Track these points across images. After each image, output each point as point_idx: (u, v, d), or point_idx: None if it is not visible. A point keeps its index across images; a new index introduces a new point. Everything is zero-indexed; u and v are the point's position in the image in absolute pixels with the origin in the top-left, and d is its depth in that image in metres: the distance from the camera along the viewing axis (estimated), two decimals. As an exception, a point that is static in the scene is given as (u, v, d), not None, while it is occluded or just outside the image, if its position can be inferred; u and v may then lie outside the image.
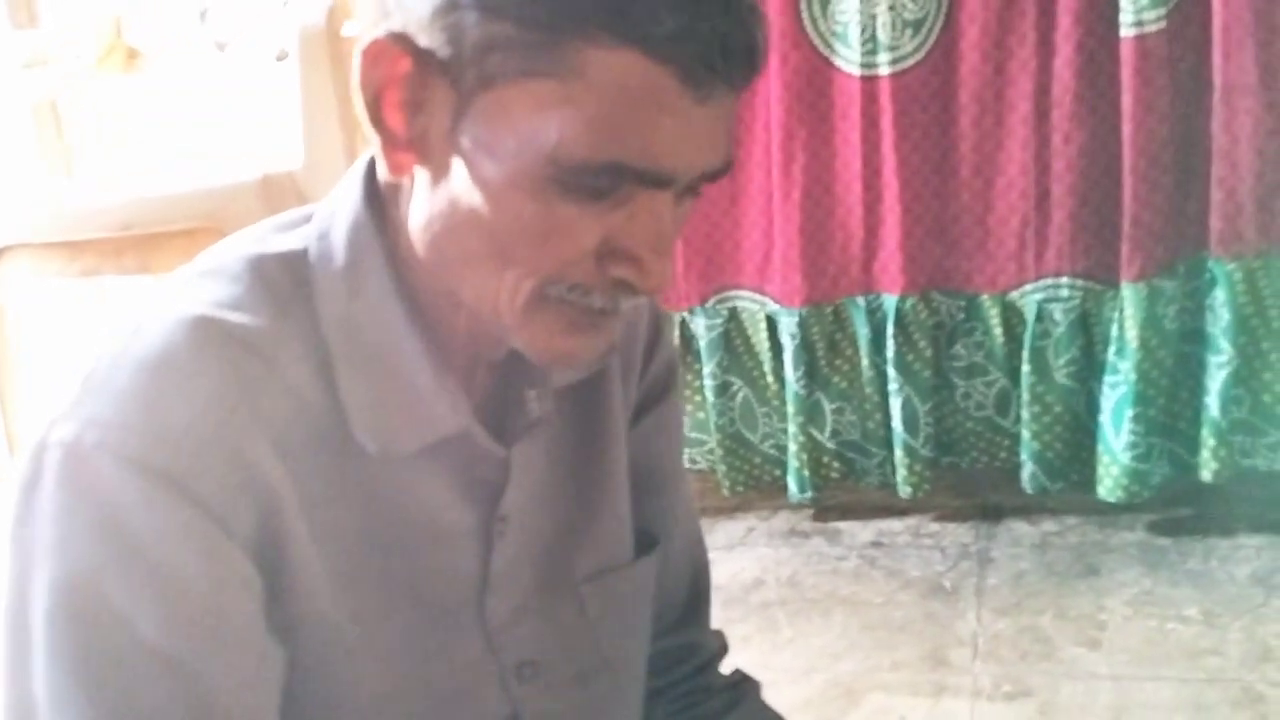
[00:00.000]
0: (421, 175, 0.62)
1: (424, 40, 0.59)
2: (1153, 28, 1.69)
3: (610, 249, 0.60)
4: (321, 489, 0.63)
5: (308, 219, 0.67)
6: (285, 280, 0.64)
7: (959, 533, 2.03)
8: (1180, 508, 1.98)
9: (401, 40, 0.59)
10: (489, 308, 0.62)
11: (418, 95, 0.60)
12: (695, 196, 0.64)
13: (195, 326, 0.61)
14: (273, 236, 0.67)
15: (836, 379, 2.02)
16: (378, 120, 0.61)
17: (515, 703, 0.72)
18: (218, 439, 0.59)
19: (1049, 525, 2.02)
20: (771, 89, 1.90)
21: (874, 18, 1.82)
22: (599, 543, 0.77)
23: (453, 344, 0.67)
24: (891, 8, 1.82)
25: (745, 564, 1.99)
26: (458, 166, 0.60)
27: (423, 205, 0.62)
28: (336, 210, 0.66)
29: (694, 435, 2.12)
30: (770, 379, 2.05)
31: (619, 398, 0.78)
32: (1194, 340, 1.83)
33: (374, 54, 0.60)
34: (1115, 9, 1.71)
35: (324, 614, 0.64)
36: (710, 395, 2.06)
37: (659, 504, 0.83)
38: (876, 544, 2.02)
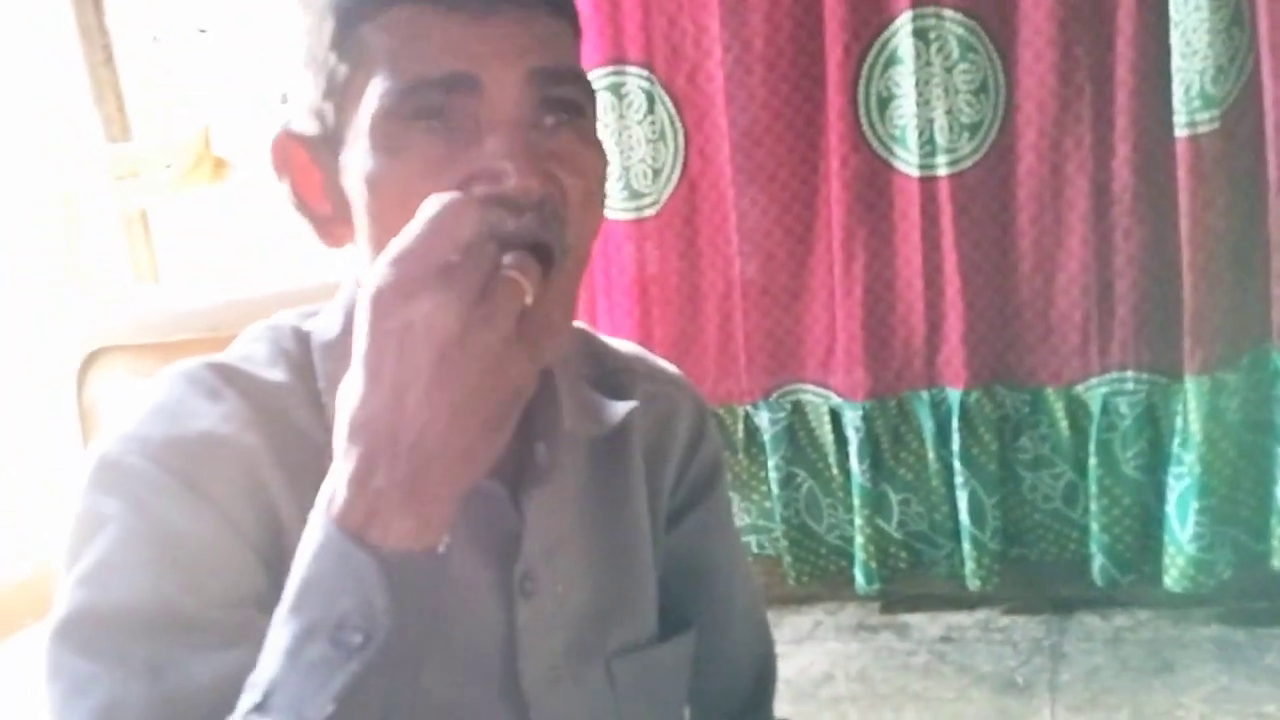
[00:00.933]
0: (355, 242, 0.68)
1: (302, 126, 0.67)
2: (1206, 128, 1.72)
3: (476, 178, 0.62)
4: None
5: (320, 312, 0.74)
6: (295, 349, 0.70)
7: (1030, 627, 2.02)
8: (1254, 600, 1.96)
9: (290, 135, 0.68)
10: None
11: (322, 173, 0.67)
12: (575, 130, 0.65)
13: (216, 368, 0.67)
14: (292, 317, 0.73)
15: (902, 471, 2.04)
16: (305, 209, 0.69)
17: None
18: (230, 452, 0.64)
19: (1121, 619, 2.00)
20: (832, 189, 1.96)
21: (931, 121, 1.88)
22: (627, 617, 0.78)
23: None
24: (948, 112, 1.87)
25: (814, 658, 1.99)
26: (355, 203, 0.66)
27: (361, 263, 0.68)
28: (338, 294, 0.73)
29: (760, 523, 2.15)
30: (835, 471, 2.08)
31: (642, 480, 0.79)
32: (1260, 430, 1.83)
33: (278, 155, 0.68)
34: (1169, 110, 1.75)
35: None
36: (775, 487, 2.09)
37: (711, 594, 0.85)
38: (946, 638, 2.02)
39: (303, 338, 0.71)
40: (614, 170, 2.02)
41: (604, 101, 1.99)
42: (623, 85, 2.00)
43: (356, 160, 0.64)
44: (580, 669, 0.75)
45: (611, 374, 0.80)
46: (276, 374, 0.69)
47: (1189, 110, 1.72)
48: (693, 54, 1.97)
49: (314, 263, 2.03)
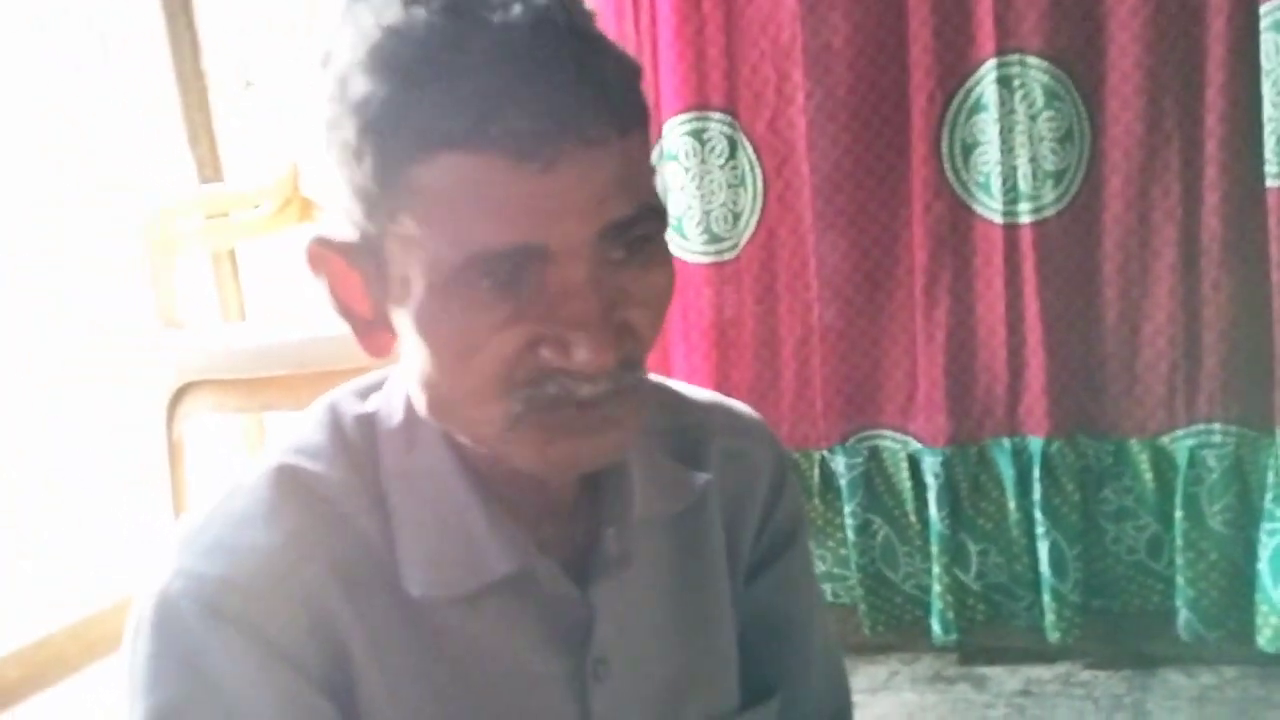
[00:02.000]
0: (399, 347, 0.66)
1: (340, 234, 0.64)
2: (1298, 178, 1.70)
3: (541, 341, 0.60)
4: (392, 635, 0.66)
5: (383, 384, 0.73)
6: (357, 436, 0.69)
7: (1111, 683, 1.98)
8: (1347, 662, 1.90)
9: (324, 243, 0.65)
10: (482, 442, 0.64)
11: (362, 279, 0.64)
12: (646, 257, 0.62)
13: (276, 477, 0.67)
14: (353, 398, 0.72)
15: (981, 520, 2.02)
16: (345, 312, 0.66)
17: None
18: (286, 585, 0.63)
19: (1207, 677, 1.95)
20: (914, 235, 1.95)
21: (1015, 169, 1.87)
22: (707, 691, 0.77)
23: (513, 493, 0.69)
24: (1032, 159, 1.86)
25: (889, 709, 1.96)
26: (401, 326, 0.63)
27: (409, 374, 0.66)
28: (400, 374, 0.70)
29: (836, 571, 2.13)
30: (913, 518, 2.06)
31: (720, 543, 0.78)
32: (1357, 487, 1.79)
33: (313, 259, 0.66)
34: (1260, 160, 1.73)
35: None
36: (851, 534, 2.07)
37: (789, 650, 0.84)
38: (1025, 692, 1.98)
39: (365, 423, 0.70)
40: (694, 214, 2.03)
41: (686, 146, 2.01)
42: (705, 130, 2.01)
43: (413, 301, 0.61)
44: None
45: (688, 430, 0.78)
46: (339, 472, 0.68)
47: (1280, 160, 1.70)
48: (774, 100, 1.99)
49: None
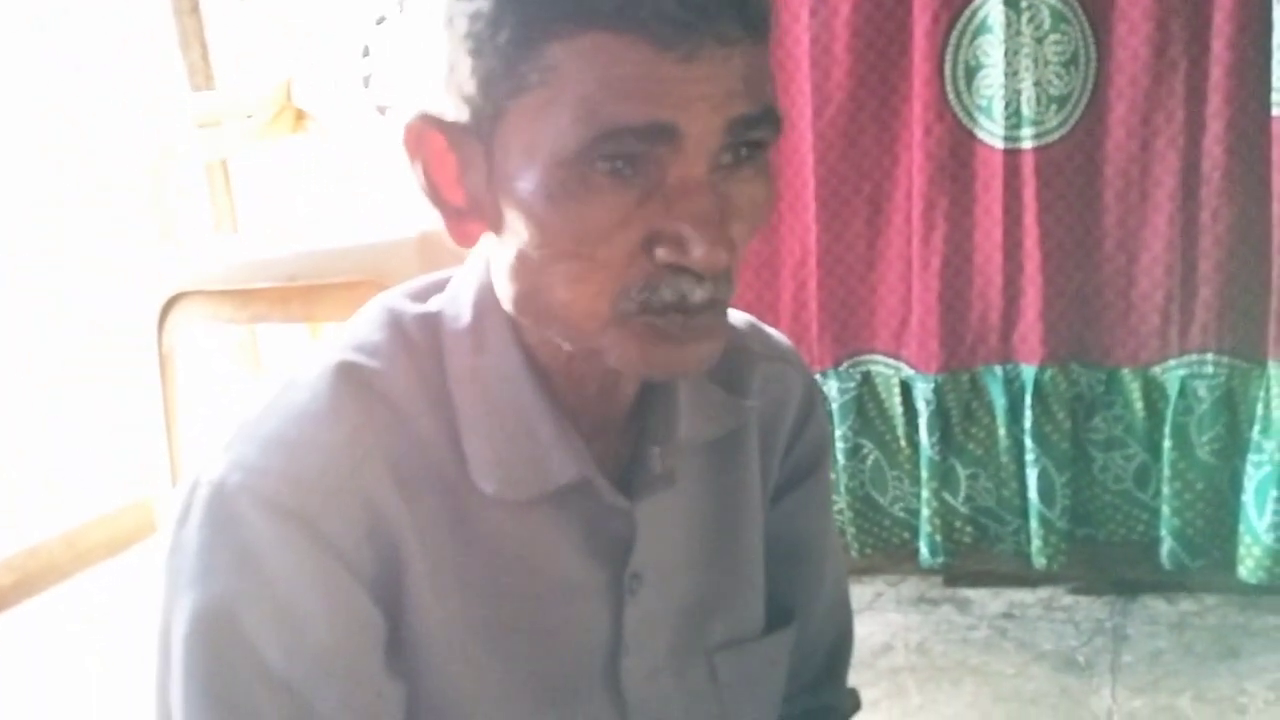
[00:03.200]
0: (490, 238, 0.66)
1: (446, 111, 0.63)
2: (1305, 107, 1.68)
3: (658, 238, 0.60)
4: (445, 534, 0.66)
5: (443, 285, 0.72)
6: (420, 336, 0.69)
7: (1093, 607, 2.00)
8: (1327, 591, 1.93)
9: (428, 119, 0.63)
10: (578, 337, 0.64)
11: (461, 163, 0.64)
12: (754, 166, 0.63)
13: (337, 375, 0.66)
14: (409, 300, 0.71)
15: (971, 446, 2.03)
16: (437, 199, 0.66)
17: None
18: (348, 485, 0.63)
19: (1187, 604, 1.98)
20: (914, 159, 1.93)
21: (1019, 93, 1.85)
22: (733, 611, 0.78)
23: (576, 402, 0.69)
24: (1037, 83, 1.84)
25: (874, 628, 1.99)
26: (508, 212, 0.63)
27: (500, 265, 0.66)
28: (467, 276, 0.70)
29: (824, 496, 2.14)
30: (903, 443, 2.07)
31: (756, 466, 0.79)
32: (1345, 421, 1.80)
33: (412, 139, 0.64)
34: (1267, 88, 1.71)
35: (439, 658, 0.67)
36: (841, 457, 2.08)
37: (803, 575, 0.85)
38: (1008, 615, 2.01)
39: (429, 323, 0.69)
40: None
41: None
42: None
43: (523, 186, 0.61)
44: (682, 663, 0.75)
45: (730, 354, 0.77)
46: (400, 372, 0.67)
47: (1287, 88, 1.68)
48: (782, 17, 1.95)
49: (390, 217, 2.05)
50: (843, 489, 2.09)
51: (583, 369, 0.68)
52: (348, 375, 0.66)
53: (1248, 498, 1.84)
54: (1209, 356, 1.85)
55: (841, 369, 2.07)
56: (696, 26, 0.57)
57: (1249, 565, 1.84)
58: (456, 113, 0.62)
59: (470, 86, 0.61)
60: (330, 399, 0.65)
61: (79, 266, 2.53)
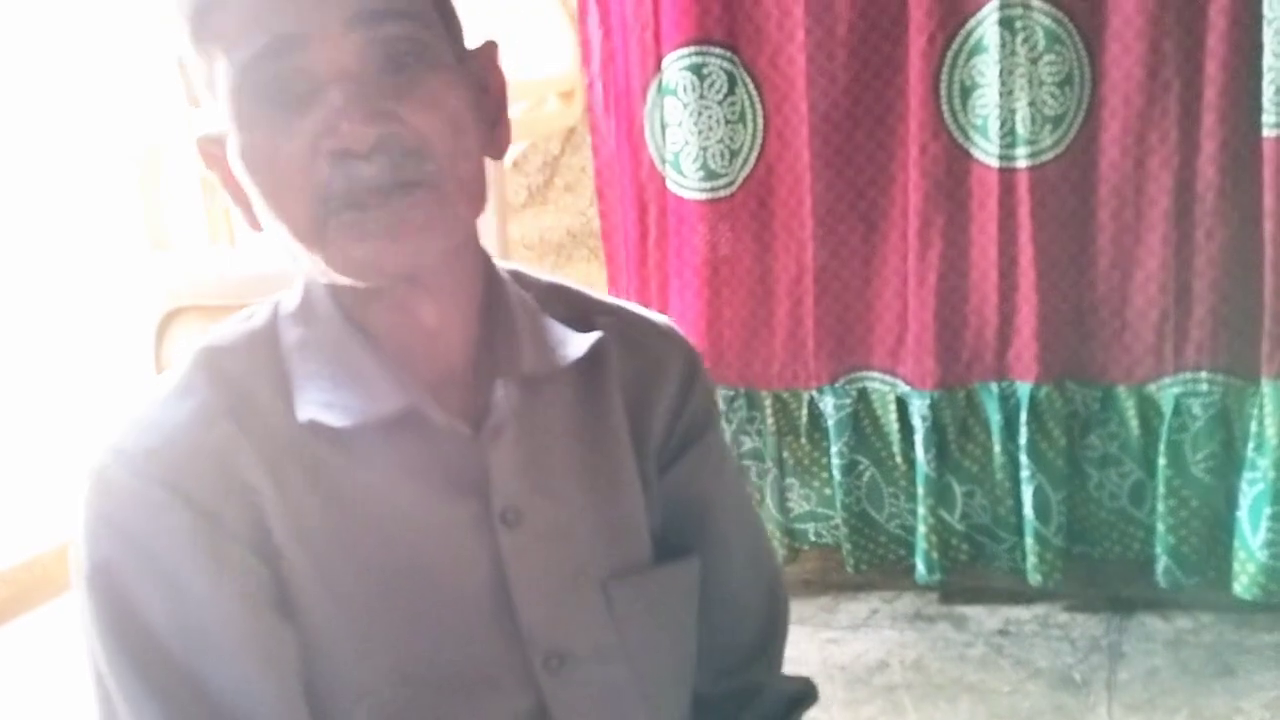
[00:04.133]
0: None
1: (208, 125, 0.71)
2: (1296, 128, 1.69)
3: (322, 137, 0.66)
4: (302, 489, 0.71)
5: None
6: (262, 322, 0.75)
7: (1089, 625, 2.01)
8: (1321, 609, 1.94)
9: (204, 139, 0.72)
10: (312, 265, 0.69)
11: (229, 161, 0.70)
12: (426, 63, 0.68)
13: (190, 361, 0.73)
14: (275, 295, 0.79)
15: (967, 463, 2.03)
16: (232, 196, 0.73)
17: (540, 693, 0.76)
18: (204, 448, 0.69)
19: (1183, 622, 1.99)
20: (910, 177, 1.95)
21: (1014, 112, 1.86)
22: (620, 542, 0.80)
23: (403, 349, 0.74)
24: (1031, 103, 1.85)
25: (870, 645, 1.99)
26: (245, 184, 0.70)
27: (272, 232, 0.72)
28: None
29: (820, 510, 2.15)
30: (899, 460, 2.07)
31: (622, 412, 0.81)
32: (1339, 439, 1.81)
33: (201, 155, 0.73)
34: (1259, 109, 1.72)
35: (319, 602, 0.71)
36: (837, 474, 2.09)
37: (709, 535, 0.86)
38: (1004, 631, 2.01)
39: (269, 311, 0.76)
40: (691, 151, 2.02)
41: (685, 81, 1.99)
42: (704, 65, 1.99)
43: (231, 143, 0.68)
44: (576, 595, 0.77)
45: (587, 315, 0.82)
46: (243, 352, 0.73)
47: (1278, 110, 1.70)
48: (776, 36, 1.97)
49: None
50: (838, 505, 2.10)
51: (380, 310, 0.73)
52: (197, 360, 0.73)
53: (1242, 515, 1.84)
54: (1203, 374, 1.86)
55: (838, 385, 2.08)
56: None
57: (1243, 582, 1.85)
58: (213, 125, 0.70)
59: (203, 94, 0.70)
60: (182, 379, 0.72)
61: (76, 278, 2.53)
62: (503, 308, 0.77)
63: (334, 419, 0.71)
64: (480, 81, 0.74)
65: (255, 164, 0.67)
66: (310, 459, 0.71)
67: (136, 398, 0.73)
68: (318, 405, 0.71)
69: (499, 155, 0.76)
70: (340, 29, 0.65)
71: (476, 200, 0.71)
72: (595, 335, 0.79)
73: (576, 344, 0.79)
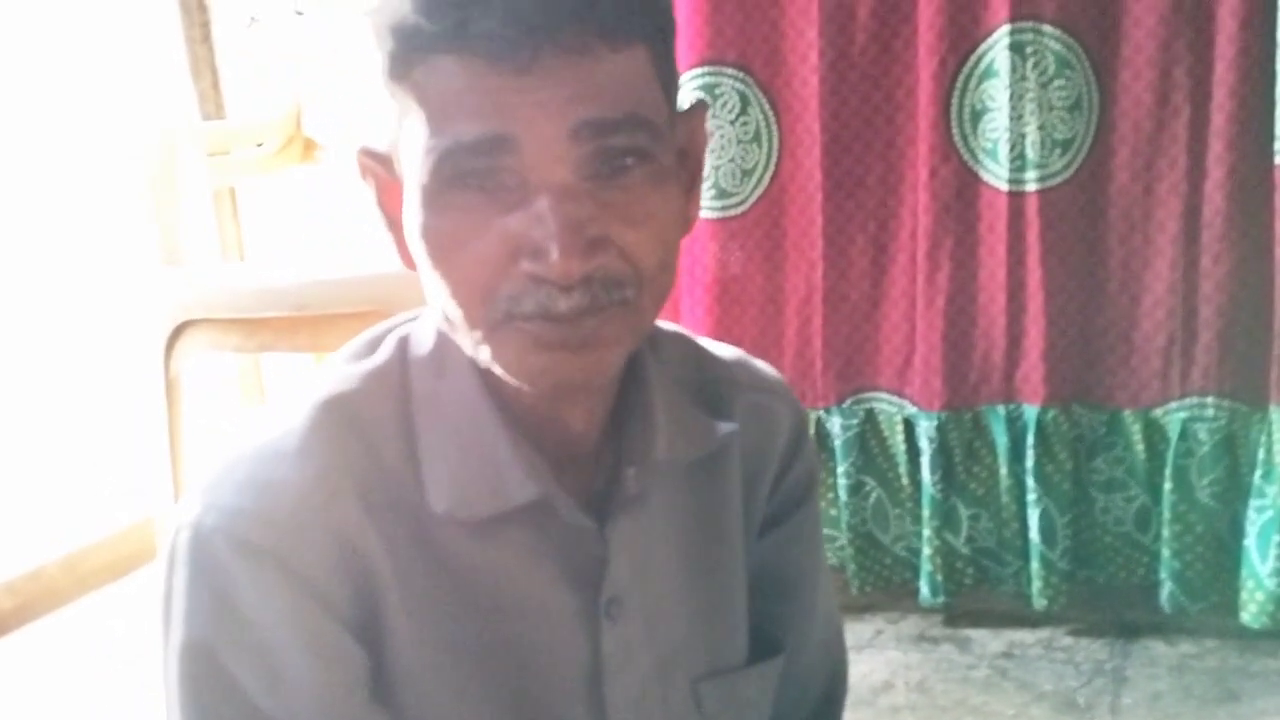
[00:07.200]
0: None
1: (378, 142, 0.67)
2: (1306, 156, 1.70)
3: (522, 248, 0.62)
4: (417, 562, 0.68)
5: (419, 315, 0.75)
6: (392, 364, 0.71)
7: (1093, 649, 2.01)
8: (1326, 635, 1.93)
9: (366, 152, 0.68)
10: (472, 348, 0.66)
11: (400, 185, 0.66)
12: (642, 173, 0.63)
13: (310, 412, 0.68)
14: (388, 330, 0.74)
15: (973, 485, 2.04)
16: (390, 222, 0.69)
17: None
18: (319, 521, 0.65)
19: (1187, 647, 1.99)
20: (919, 199, 1.95)
21: (1023, 136, 1.87)
22: (715, 640, 0.79)
23: (536, 427, 0.70)
24: (1041, 127, 1.86)
25: (874, 666, 1.99)
26: (412, 246, 0.66)
27: (425, 290, 0.68)
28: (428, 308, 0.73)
29: (826, 531, 2.15)
30: (905, 481, 2.08)
31: (738, 495, 0.79)
32: (1345, 466, 1.81)
33: (360, 170, 0.69)
34: (1269, 137, 1.73)
35: (421, 684, 0.68)
36: (843, 494, 2.09)
37: (793, 608, 0.85)
38: (1008, 654, 2.01)
39: (399, 350, 0.72)
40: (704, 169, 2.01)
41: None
42: (717, 85, 2.01)
43: (409, 207, 0.64)
44: (667, 691, 0.75)
45: (712, 383, 0.79)
46: (370, 401, 0.69)
47: (1289, 137, 1.71)
48: (790, 58, 1.98)
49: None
50: (844, 526, 2.10)
51: (524, 393, 0.69)
52: (320, 414, 0.68)
53: (1250, 543, 1.85)
54: (1210, 400, 1.87)
55: (845, 406, 2.08)
56: (529, 38, 0.59)
57: (1252, 610, 1.85)
58: (385, 144, 0.67)
59: (389, 119, 0.66)
60: (301, 437, 0.67)
61: (85, 288, 2.54)
62: (641, 387, 0.73)
63: (463, 510, 0.68)
64: (683, 146, 0.69)
65: (438, 249, 0.63)
66: (436, 544, 0.68)
67: (247, 448, 0.68)
68: (450, 492, 0.68)
69: (689, 230, 0.70)
70: (561, 137, 0.60)
71: (665, 300, 0.67)
72: (732, 427, 0.76)
73: (711, 433, 0.76)
